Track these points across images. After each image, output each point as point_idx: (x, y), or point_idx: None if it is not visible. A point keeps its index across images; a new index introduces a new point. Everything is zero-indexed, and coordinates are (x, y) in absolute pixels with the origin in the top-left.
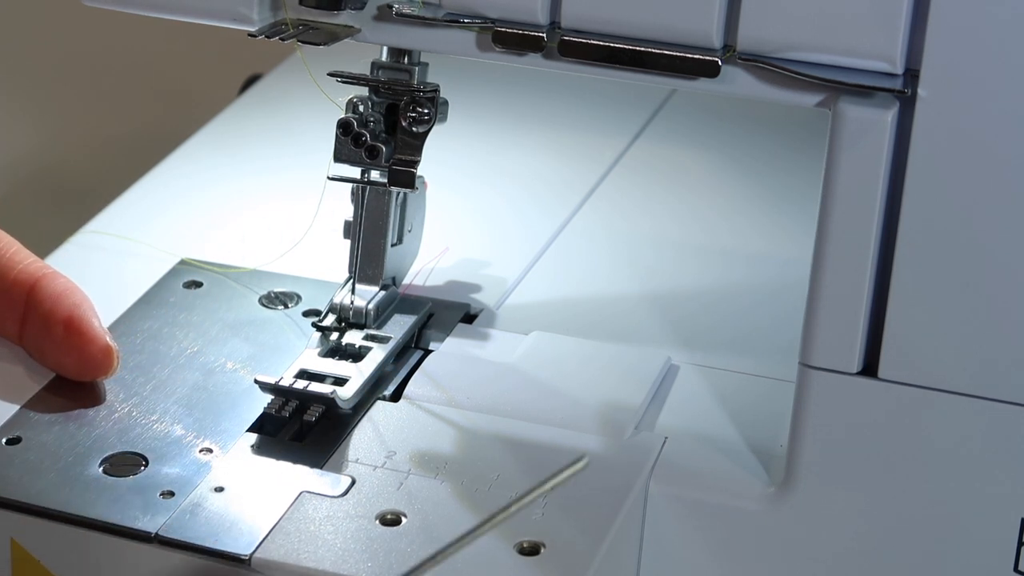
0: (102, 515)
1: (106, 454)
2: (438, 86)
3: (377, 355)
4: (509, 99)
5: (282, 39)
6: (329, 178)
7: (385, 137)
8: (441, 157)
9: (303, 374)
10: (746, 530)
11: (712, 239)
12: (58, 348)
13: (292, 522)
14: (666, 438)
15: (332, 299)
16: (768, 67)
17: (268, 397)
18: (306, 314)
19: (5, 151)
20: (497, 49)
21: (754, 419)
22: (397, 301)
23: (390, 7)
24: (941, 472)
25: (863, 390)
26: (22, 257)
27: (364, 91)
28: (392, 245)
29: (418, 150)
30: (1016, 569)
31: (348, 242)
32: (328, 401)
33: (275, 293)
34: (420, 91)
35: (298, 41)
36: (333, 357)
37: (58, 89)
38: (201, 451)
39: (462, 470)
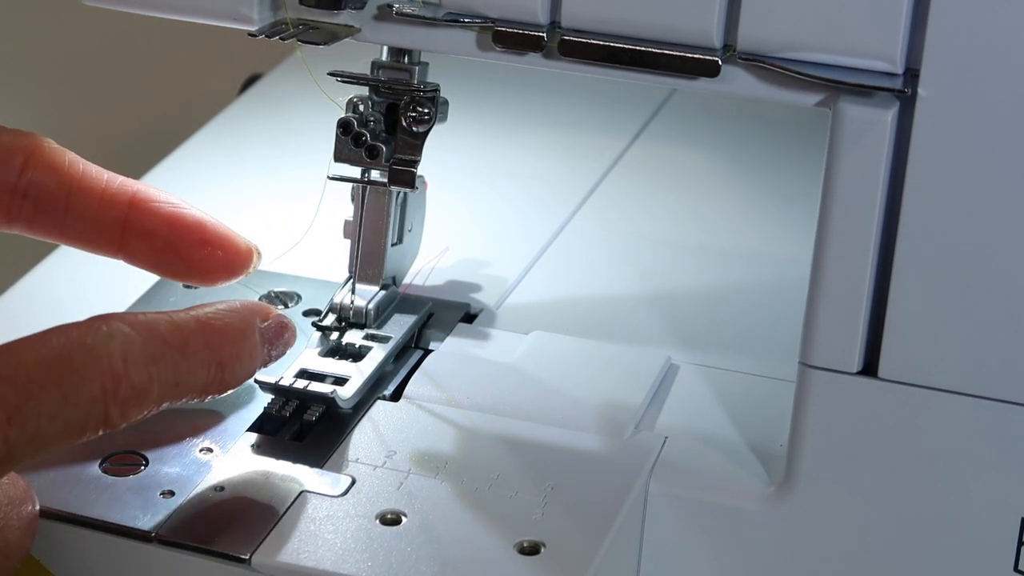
0: (102, 515)
1: (106, 454)
2: (438, 86)
3: (377, 355)
4: (509, 99)
5: (282, 39)
6: (329, 178)
7: (385, 137)
8: (441, 157)
9: (303, 374)
10: (746, 530)
11: (712, 239)
12: (198, 255)
13: (292, 522)
14: (666, 438)
15: (332, 299)
16: (768, 67)
17: (268, 397)
18: (306, 314)
19: None
20: (497, 49)
21: (754, 419)
22: (397, 301)
23: (390, 7)
24: (941, 472)
25: (863, 390)
26: (113, 176)
27: (364, 91)
28: (392, 245)
29: (418, 150)
30: (1016, 569)
31: (348, 242)
32: (328, 401)
33: (275, 293)
34: (420, 91)
35: (298, 41)
36: (333, 357)
37: (58, 89)
38: (201, 451)
39: (462, 470)
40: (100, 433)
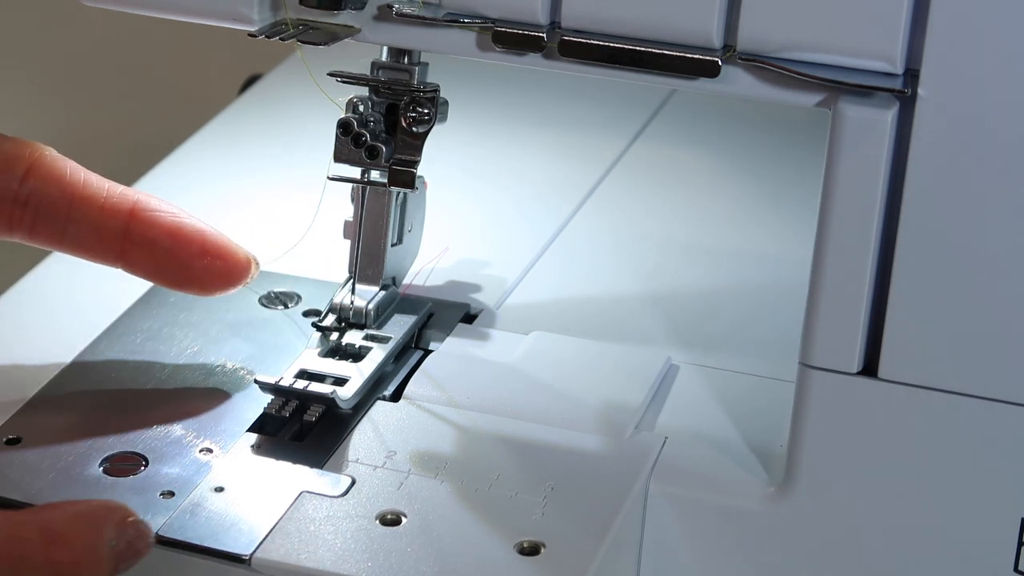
0: None
1: (106, 454)
2: (438, 86)
3: (377, 355)
4: (509, 99)
5: (282, 39)
6: (329, 178)
7: (385, 137)
8: (441, 157)
9: (303, 374)
10: (746, 530)
11: (712, 239)
12: (198, 265)
13: (292, 522)
14: (666, 438)
15: (332, 299)
16: (768, 67)
17: (268, 397)
18: (306, 314)
19: None
20: (497, 49)
21: (754, 419)
22: (397, 301)
23: (390, 7)
24: (941, 472)
25: (863, 390)
26: (114, 186)
27: (364, 91)
28: (392, 245)
29: (418, 150)
30: (1016, 569)
31: (348, 242)
32: (328, 401)
33: (275, 293)
34: (420, 91)
35: (298, 41)
36: (333, 357)
37: (58, 89)
38: (201, 451)
39: (462, 470)
40: None
